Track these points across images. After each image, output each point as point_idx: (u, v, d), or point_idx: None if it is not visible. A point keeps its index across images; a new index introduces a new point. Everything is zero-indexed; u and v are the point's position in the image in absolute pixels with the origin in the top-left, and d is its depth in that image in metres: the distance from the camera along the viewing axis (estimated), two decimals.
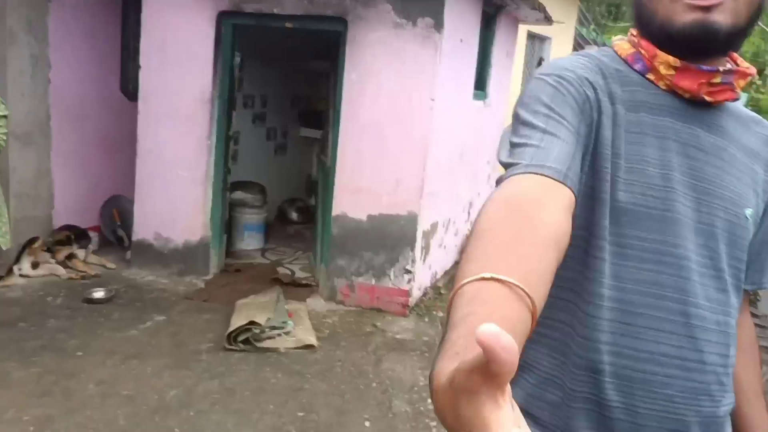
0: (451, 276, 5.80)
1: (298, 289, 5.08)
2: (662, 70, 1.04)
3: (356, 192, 4.82)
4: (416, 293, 4.96)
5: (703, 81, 1.02)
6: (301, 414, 3.37)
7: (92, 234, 5.74)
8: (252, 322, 4.07)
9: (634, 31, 1.11)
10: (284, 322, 4.22)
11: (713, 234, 1.04)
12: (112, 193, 6.07)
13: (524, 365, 1.10)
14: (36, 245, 5.15)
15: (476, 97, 5.91)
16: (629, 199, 1.00)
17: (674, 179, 1.02)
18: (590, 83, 1.01)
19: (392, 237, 4.77)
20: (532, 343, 1.07)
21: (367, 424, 3.35)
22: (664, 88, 1.05)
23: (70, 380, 3.53)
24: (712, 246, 1.04)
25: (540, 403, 1.07)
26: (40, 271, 5.08)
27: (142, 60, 5.20)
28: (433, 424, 3.39)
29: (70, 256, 5.32)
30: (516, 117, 1.00)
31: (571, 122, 0.97)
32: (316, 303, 4.92)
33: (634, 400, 1.00)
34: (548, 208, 0.83)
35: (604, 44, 21.43)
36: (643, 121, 1.03)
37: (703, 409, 1.03)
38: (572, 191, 0.90)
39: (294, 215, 7.34)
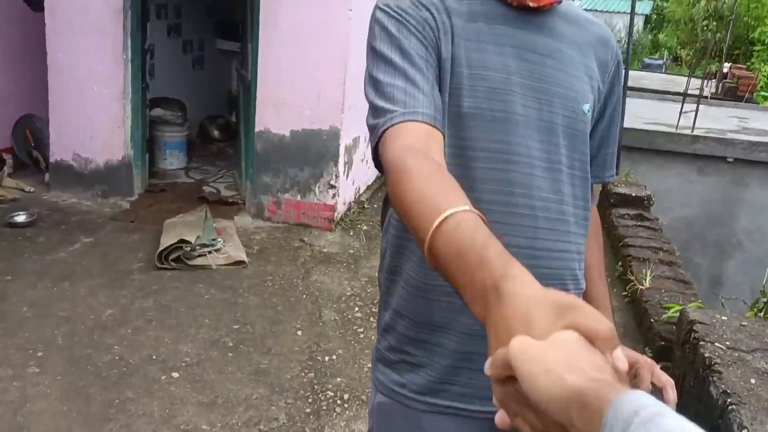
0: (374, 190, 5.96)
1: (225, 207, 5.13)
2: None
3: (278, 106, 4.83)
4: (341, 208, 5.11)
5: None
6: (235, 326, 3.53)
7: (6, 156, 5.54)
8: (182, 241, 4.13)
9: None
10: (214, 240, 4.30)
11: (554, 130, 1.14)
12: (24, 111, 5.82)
13: (397, 274, 1.22)
14: None
15: None
16: (475, 104, 1.10)
17: (514, 82, 1.11)
18: (425, 6, 1.12)
19: (316, 152, 4.85)
20: (400, 253, 1.21)
21: (299, 333, 3.55)
22: None
23: (2, 303, 3.55)
24: (554, 141, 1.15)
25: (409, 305, 1.20)
26: None
27: None
28: (360, 330, 3.63)
29: None
30: (373, 50, 1.12)
31: (420, 53, 1.08)
32: (244, 220, 5.00)
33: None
34: (438, 154, 0.98)
35: None
36: (481, 30, 1.12)
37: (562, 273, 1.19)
38: (442, 131, 1.04)
39: (215, 132, 7.24)
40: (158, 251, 4.11)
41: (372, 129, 1.06)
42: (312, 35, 4.66)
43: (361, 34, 4.53)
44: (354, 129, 5.11)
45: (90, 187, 5.24)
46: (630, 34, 6.35)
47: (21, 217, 4.66)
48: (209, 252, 4.21)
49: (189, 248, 4.12)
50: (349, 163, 5.12)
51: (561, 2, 1.19)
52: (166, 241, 4.18)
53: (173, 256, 4.11)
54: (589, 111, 1.19)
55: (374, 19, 1.14)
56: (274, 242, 4.67)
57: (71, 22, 4.94)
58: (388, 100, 1.04)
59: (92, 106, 5.09)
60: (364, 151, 5.57)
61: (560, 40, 1.17)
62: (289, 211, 4.99)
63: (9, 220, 4.61)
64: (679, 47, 25.50)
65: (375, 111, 1.06)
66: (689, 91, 8.26)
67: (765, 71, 18.87)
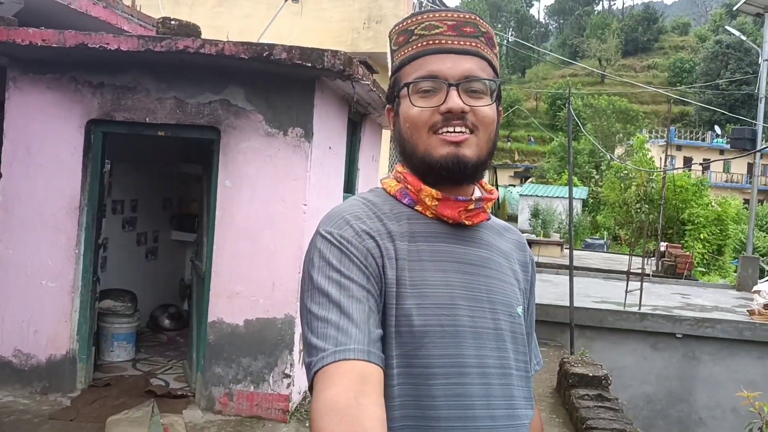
0: None
1: (173, 401, 4.91)
2: (428, 201, 1.22)
3: (232, 297, 4.82)
4: (296, 397, 4.94)
5: (461, 209, 1.22)
6: None
7: None
8: None
9: (399, 167, 1.28)
10: None
11: (502, 336, 1.20)
12: None
13: None
14: None
15: (345, 199, 6.16)
16: (424, 322, 1.13)
17: (457, 295, 1.17)
18: (369, 234, 1.16)
19: (270, 341, 4.77)
20: None
21: None
22: (431, 216, 1.23)
23: None
24: (503, 347, 1.20)
25: None
26: None
27: (4, 168, 5.02)
28: None
29: None
30: (310, 279, 1.13)
31: (361, 283, 1.10)
32: (193, 414, 4.76)
33: None
34: (371, 398, 0.99)
35: None
36: (422, 250, 1.19)
37: None
38: (378, 364, 1.05)
39: (166, 322, 7.11)
40: None
41: (306, 368, 1.07)
42: (267, 228, 4.79)
43: (315, 224, 4.69)
44: None
45: (29, 384, 4.98)
46: (570, 217, 6.72)
47: None
48: None
49: None
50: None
51: (489, 219, 1.31)
52: None
53: None
54: (522, 313, 1.28)
55: (315, 247, 1.16)
56: None
57: (25, 218, 4.99)
58: (320, 337, 1.05)
59: (39, 300, 4.98)
60: None
61: (490, 251, 1.27)
62: (241, 403, 4.78)
63: None
64: (617, 227, 26.94)
65: (308, 348, 1.07)
66: (632, 269, 8.61)
67: (698, 248, 19.94)
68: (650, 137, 37.87)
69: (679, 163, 39.88)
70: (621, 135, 38.16)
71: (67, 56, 4.82)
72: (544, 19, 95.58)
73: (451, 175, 1.19)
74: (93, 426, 4.43)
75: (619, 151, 37.31)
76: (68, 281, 4.99)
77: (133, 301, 6.11)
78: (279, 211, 4.81)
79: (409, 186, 1.24)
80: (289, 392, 4.77)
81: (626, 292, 7.58)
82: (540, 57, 67.20)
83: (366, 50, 8.85)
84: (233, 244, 4.84)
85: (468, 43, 1.20)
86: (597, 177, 34.49)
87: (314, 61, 4.31)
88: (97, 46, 4.44)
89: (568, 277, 10.43)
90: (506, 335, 1.21)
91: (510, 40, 68.23)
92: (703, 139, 43.79)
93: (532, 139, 53.78)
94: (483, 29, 1.23)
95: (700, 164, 36.18)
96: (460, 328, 1.15)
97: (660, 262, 13.42)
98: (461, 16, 1.22)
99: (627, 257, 18.83)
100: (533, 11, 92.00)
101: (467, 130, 1.18)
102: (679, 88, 46.64)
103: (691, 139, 43.05)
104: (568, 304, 7.00)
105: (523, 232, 22.99)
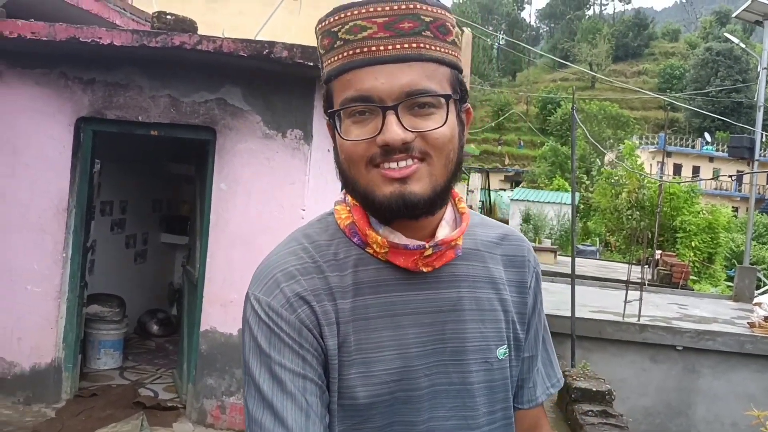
0: None
1: (163, 413, 4.71)
2: (376, 248, 1.01)
3: (226, 305, 4.62)
4: None
5: (416, 257, 1.00)
6: None
7: None
8: None
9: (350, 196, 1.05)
10: None
11: (469, 392, 1.04)
12: None
13: None
14: None
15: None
16: (371, 392, 0.98)
17: (413, 355, 1.00)
18: (303, 299, 0.98)
19: None
20: None
21: None
22: (383, 260, 1.02)
23: None
24: (469, 405, 1.04)
25: None
26: None
27: None
28: None
29: None
30: (244, 363, 0.98)
31: (295, 370, 0.95)
32: (184, 428, 4.56)
33: None
34: None
35: None
36: (369, 305, 1.00)
37: None
38: None
39: (155, 328, 6.88)
40: None
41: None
42: (263, 233, 4.60)
43: None
44: None
45: (11, 393, 4.76)
46: (573, 224, 6.60)
47: None
48: None
49: None
50: None
51: (458, 255, 1.06)
52: None
53: None
54: (504, 354, 1.08)
55: (245, 318, 1.01)
56: None
57: (10, 220, 4.76)
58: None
59: (23, 306, 4.76)
60: None
61: (461, 287, 1.05)
62: (234, 416, 4.59)
63: None
64: (607, 234, 26.90)
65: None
66: (630, 278, 8.49)
67: (689, 257, 19.91)
68: (640, 143, 37.97)
69: (668, 169, 40.04)
70: (612, 141, 38.23)
71: (57, 50, 4.60)
72: (535, 22, 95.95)
73: (398, 216, 0.97)
74: None
75: (609, 156, 37.39)
76: (54, 286, 4.77)
77: (121, 307, 5.89)
78: (276, 217, 4.62)
79: (357, 225, 1.03)
80: None
81: (625, 302, 7.45)
82: (531, 59, 67.37)
83: None
84: (227, 250, 4.65)
85: (406, 46, 0.92)
86: (588, 182, 34.51)
87: (316, 60, 4.11)
88: (89, 41, 4.24)
89: (563, 286, 10.31)
90: (476, 389, 1.04)
91: (501, 42, 68.38)
92: (693, 146, 43.98)
93: (522, 142, 53.83)
94: (427, 18, 0.94)
95: (713, 177, 36.18)
96: (414, 393, 1.00)
97: (656, 271, 13.33)
98: (395, 7, 0.93)
99: (620, 265, 18.79)
100: (524, 14, 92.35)
101: (415, 161, 0.95)
102: (669, 94, 46.85)
103: (680, 146, 43.19)
104: (564, 314, 6.86)
105: None
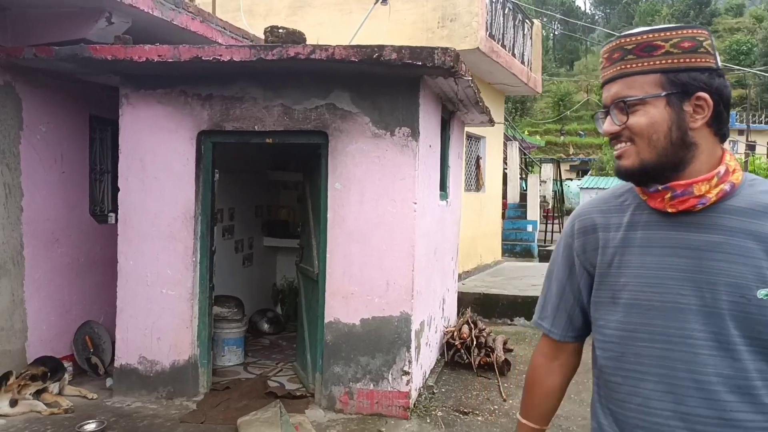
0: (438, 373, 5.86)
1: (294, 401, 5.01)
2: (642, 197, 1.44)
3: (347, 297, 4.89)
4: (413, 394, 4.99)
5: (660, 199, 1.38)
6: None
7: (66, 364, 5.51)
8: None
9: None
10: None
11: (719, 314, 1.30)
12: (84, 318, 5.90)
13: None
14: (11, 382, 4.90)
15: (441, 197, 6.20)
16: (633, 296, 1.40)
17: (668, 276, 1.35)
18: (593, 227, 1.52)
19: (387, 339, 4.83)
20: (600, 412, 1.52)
21: None
22: (653, 207, 1.42)
23: None
24: (719, 324, 1.30)
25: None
26: (19, 409, 4.81)
27: (121, 182, 5.22)
28: None
29: (40, 391, 5.02)
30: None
31: (561, 276, 1.60)
32: (315, 414, 4.85)
33: None
34: (551, 375, 1.67)
35: (522, 139, 22.52)
36: (640, 237, 1.41)
37: None
38: (559, 339, 1.64)
39: (266, 326, 7.27)
40: None
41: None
42: (378, 228, 4.85)
43: (422, 222, 4.77)
44: (420, 313, 5.14)
45: (154, 389, 5.16)
46: None
47: (90, 426, 4.54)
48: None
49: None
50: (417, 348, 5.07)
51: (710, 201, 1.35)
52: None
53: None
54: (765, 296, 1.28)
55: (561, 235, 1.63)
56: None
57: (143, 230, 5.17)
58: (540, 304, 1.68)
59: (160, 308, 5.16)
60: (428, 334, 5.56)
61: (725, 234, 1.32)
62: (362, 401, 4.85)
63: (78, 430, 4.48)
64: None
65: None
66: None
67: None
68: None
69: (741, 148, 38.64)
70: None
71: (175, 71, 4.98)
72: (590, 9, 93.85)
73: (625, 180, 1.44)
74: (223, 428, 4.56)
75: None
76: (187, 289, 5.15)
77: (239, 307, 6.26)
78: (389, 211, 4.86)
79: None
80: (408, 389, 4.81)
81: None
82: (589, 47, 65.92)
83: None
84: (345, 246, 4.92)
85: (613, 71, 1.38)
86: None
87: (424, 60, 4.35)
88: (211, 59, 4.58)
89: None
90: (725, 313, 1.30)
91: (556, 32, 67.25)
92: (767, 122, 42.28)
93: (582, 132, 52.83)
94: (630, 46, 1.36)
95: None
96: (667, 303, 1.35)
97: None
98: (612, 45, 1.39)
99: None
100: (579, 2, 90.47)
101: (625, 143, 1.37)
102: (737, 70, 45.14)
103: (753, 122, 41.60)
104: None
105: None
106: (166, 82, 5.14)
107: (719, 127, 1.36)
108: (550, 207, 18.58)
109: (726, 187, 1.34)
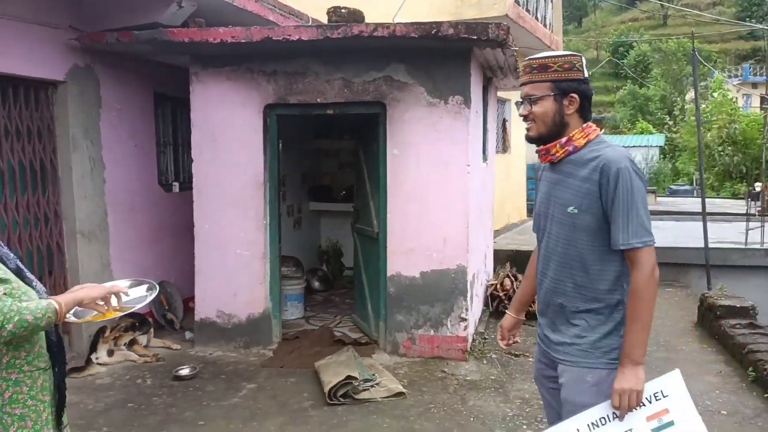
0: (486, 322, 6.40)
1: (360, 347, 5.55)
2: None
3: (407, 253, 5.39)
4: (469, 339, 5.52)
5: (541, 155, 2.34)
6: None
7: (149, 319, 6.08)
8: (349, 377, 4.53)
9: None
10: (373, 375, 4.69)
11: (556, 219, 2.28)
12: (158, 279, 6.44)
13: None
14: (108, 335, 5.47)
15: (483, 159, 6.65)
16: (536, 210, 2.42)
17: (544, 198, 2.35)
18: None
19: (445, 290, 5.34)
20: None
21: None
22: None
23: None
24: (557, 225, 2.28)
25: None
26: (115, 358, 5.39)
27: (194, 154, 5.70)
28: None
29: (132, 342, 5.63)
30: (639, 191, 2.14)
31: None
32: (382, 357, 5.40)
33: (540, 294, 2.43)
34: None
35: None
36: (542, 177, 2.41)
37: (552, 303, 2.32)
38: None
39: (317, 284, 7.82)
40: (328, 388, 4.49)
41: (649, 234, 2.12)
42: (434, 189, 5.32)
43: (472, 182, 5.23)
44: (473, 266, 5.64)
45: (232, 340, 5.72)
46: (700, 162, 7.00)
47: (185, 371, 5.11)
48: (372, 386, 4.59)
49: (357, 383, 4.51)
50: (471, 297, 5.59)
51: (557, 157, 2.27)
52: (332, 379, 4.58)
53: (341, 392, 4.49)
54: (573, 210, 2.20)
55: (635, 175, 2.15)
56: (418, 375, 5.03)
57: (216, 198, 5.67)
58: (649, 227, 2.14)
59: (235, 268, 5.69)
60: (477, 286, 6.07)
61: (563, 175, 2.26)
62: (423, 346, 5.40)
63: (175, 374, 5.05)
64: (697, 172, 26.48)
65: (642, 226, 2.10)
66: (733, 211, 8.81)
67: None
68: (724, 77, 36.66)
69: (755, 101, 38.55)
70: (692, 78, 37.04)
71: (243, 50, 5.41)
72: None
73: (530, 143, 2.35)
74: (301, 371, 5.12)
75: (690, 95, 36.26)
76: (259, 249, 5.66)
77: (298, 266, 6.79)
78: (443, 174, 5.32)
79: None
80: (465, 334, 5.34)
81: (747, 231, 7.85)
82: (597, 3, 65.22)
83: (471, 17, 9.22)
84: (404, 207, 5.40)
85: (526, 78, 2.28)
86: (671, 123, 33.82)
87: (479, 34, 4.77)
88: (281, 38, 5.01)
89: (670, 223, 10.69)
90: (555, 220, 2.28)
91: None
92: None
93: (593, 90, 52.57)
94: (535, 65, 2.24)
95: None
96: (545, 214, 2.34)
97: (765, 201, 13.43)
98: (525, 63, 2.28)
99: (717, 200, 18.74)
100: None
101: (531, 122, 2.28)
102: (749, 23, 44.74)
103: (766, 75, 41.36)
104: (687, 246, 7.41)
105: None
106: (234, 60, 5.57)
107: (584, 114, 2.25)
108: None
109: (569, 147, 2.23)
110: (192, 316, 5.99)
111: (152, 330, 5.91)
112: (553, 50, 12.15)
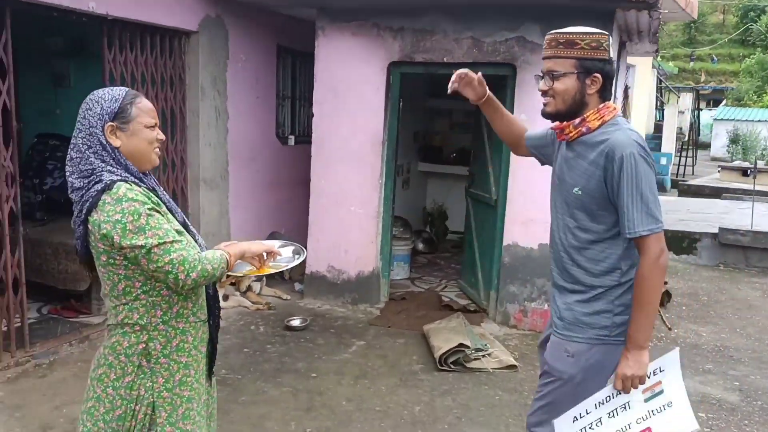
0: None
1: (469, 315, 5.46)
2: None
3: (527, 222, 5.22)
4: None
5: (557, 133, 2.30)
6: None
7: None
8: (462, 345, 4.47)
9: None
10: (485, 344, 4.61)
11: (562, 197, 2.28)
12: (271, 229, 6.57)
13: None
14: (224, 279, 5.64)
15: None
16: (551, 182, 2.40)
17: (557, 174, 2.34)
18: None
19: None
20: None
21: None
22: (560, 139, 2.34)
23: (322, 397, 3.99)
24: (563, 203, 2.28)
25: None
26: (230, 303, 5.57)
27: (316, 108, 5.71)
28: None
29: (248, 289, 5.81)
30: (645, 174, 2.10)
31: None
32: (491, 327, 5.31)
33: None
34: None
35: (659, 66, 21.45)
36: (557, 154, 2.36)
37: (557, 269, 2.37)
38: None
39: (421, 246, 7.77)
40: (439, 354, 4.46)
41: (656, 221, 2.08)
42: None
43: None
44: None
45: (340, 295, 5.78)
46: None
47: (296, 322, 5.21)
48: (484, 356, 4.52)
49: (469, 352, 4.45)
50: None
51: (570, 137, 2.23)
52: (443, 345, 4.53)
53: (453, 359, 4.45)
54: (578, 191, 2.21)
55: (644, 163, 2.10)
56: (529, 349, 4.91)
57: (334, 153, 5.67)
58: (659, 213, 2.10)
59: (348, 224, 5.70)
60: None
61: (575, 154, 2.24)
62: (535, 319, 5.26)
63: (287, 324, 5.16)
64: None
65: (650, 213, 2.07)
66: None
67: None
68: None
69: None
70: None
71: (371, 4, 5.31)
72: None
73: (546, 118, 2.28)
74: (409, 333, 5.11)
75: None
76: (373, 207, 5.65)
77: (406, 226, 6.76)
78: None
79: None
80: None
81: None
82: None
83: None
84: (526, 173, 5.20)
85: (549, 53, 2.21)
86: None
87: None
88: None
89: None
90: (564, 196, 2.27)
91: None
92: None
93: (715, 57, 49.29)
94: (561, 40, 2.18)
95: None
96: (557, 187, 2.34)
97: None
98: (551, 37, 2.22)
99: None
100: None
101: (550, 98, 2.21)
102: None
103: None
104: None
105: (716, 159, 20.91)
106: (361, 14, 5.48)
107: (604, 94, 2.20)
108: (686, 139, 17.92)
109: (583, 129, 2.19)
110: (301, 267, 6.09)
111: (264, 278, 6.07)
112: (678, 13, 11.44)
